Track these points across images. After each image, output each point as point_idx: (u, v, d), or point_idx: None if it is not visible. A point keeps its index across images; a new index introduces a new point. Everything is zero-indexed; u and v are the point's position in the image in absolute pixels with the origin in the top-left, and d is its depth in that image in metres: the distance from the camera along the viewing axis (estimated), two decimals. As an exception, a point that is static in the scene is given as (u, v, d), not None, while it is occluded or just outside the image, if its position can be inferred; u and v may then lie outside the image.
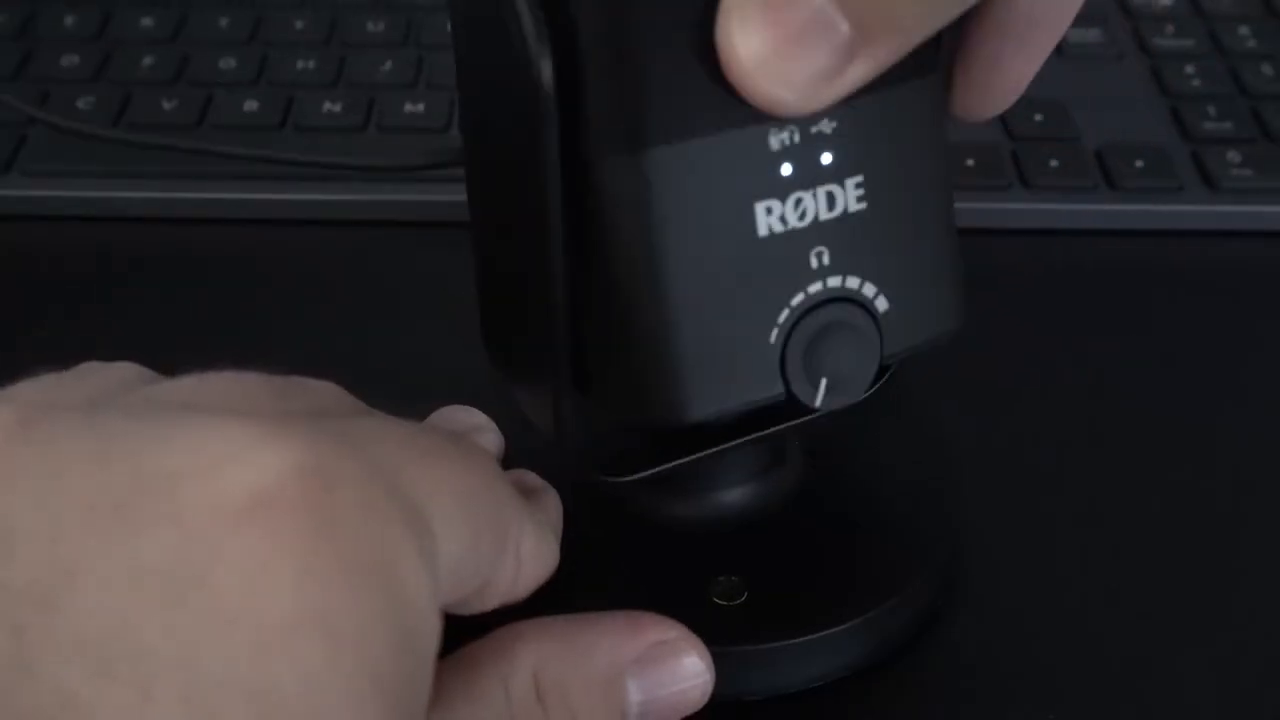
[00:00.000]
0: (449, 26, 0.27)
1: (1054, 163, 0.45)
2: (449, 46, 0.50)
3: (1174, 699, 0.31)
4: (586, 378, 0.28)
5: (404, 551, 0.21)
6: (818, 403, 0.27)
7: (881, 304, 0.27)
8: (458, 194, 0.44)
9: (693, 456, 0.29)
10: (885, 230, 0.26)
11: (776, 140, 0.25)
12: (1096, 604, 0.33)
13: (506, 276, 0.29)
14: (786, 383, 0.26)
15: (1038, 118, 0.47)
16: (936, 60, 0.26)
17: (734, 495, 0.32)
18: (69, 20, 0.51)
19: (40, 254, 0.43)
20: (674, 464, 0.29)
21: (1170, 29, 0.51)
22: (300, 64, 0.49)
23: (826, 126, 0.25)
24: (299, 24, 0.51)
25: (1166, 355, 0.40)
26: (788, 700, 0.30)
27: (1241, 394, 0.39)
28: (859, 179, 0.26)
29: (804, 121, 0.25)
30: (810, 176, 0.25)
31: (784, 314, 0.26)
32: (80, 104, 0.47)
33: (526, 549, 0.26)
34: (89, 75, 0.48)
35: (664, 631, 0.27)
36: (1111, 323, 0.41)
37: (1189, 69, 0.49)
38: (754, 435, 0.29)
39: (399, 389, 0.38)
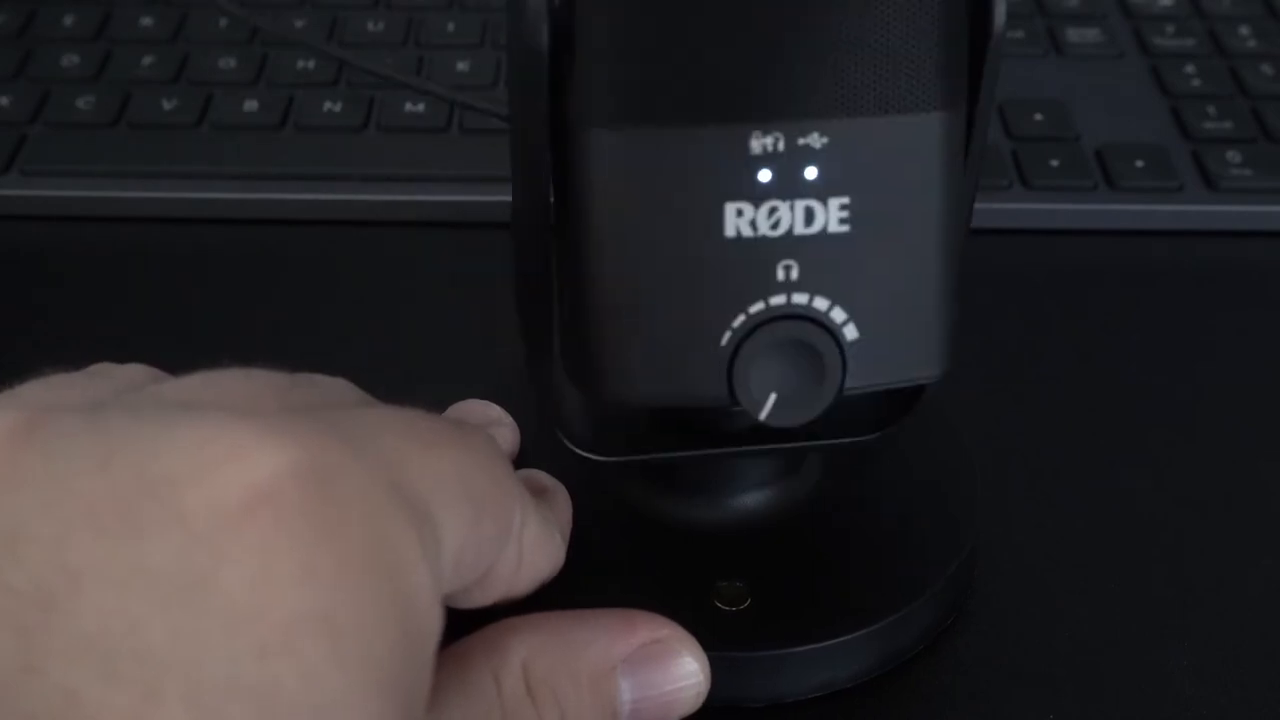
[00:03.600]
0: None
1: (1054, 163, 0.45)
2: (449, 46, 0.50)
3: (1174, 699, 0.31)
4: (562, 353, 0.28)
5: (406, 547, 0.21)
6: (762, 416, 0.26)
7: (850, 332, 0.26)
8: (457, 195, 0.44)
9: (674, 455, 0.29)
10: (867, 259, 0.26)
11: (759, 144, 0.25)
12: (1097, 604, 0.33)
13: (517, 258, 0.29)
14: (732, 389, 0.26)
15: (1038, 118, 0.47)
16: (951, 97, 0.25)
17: (745, 500, 0.32)
18: (69, 20, 0.51)
19: (40, 254, 0.43)
20: (652, 456, 0.29)
21: (1170, 29, 0.51)
22: (300, 64, 0.49)
23: (816, 141, 0.25)
24: (299, 24, 0.51)
25: (1167, 355, 0.40)
26: (787, 709, 0.30)
27: (1242, 394, 0.39)
28: (844, 200, 0.25)
29: (792, 130, 0.25)
30: (790, 187, 0.25)
31: (739, 319, 0.26)
32: (80, 104, 0.47)
33: (529, 538, 0.26)
34: (89, 75, 0.48)
35: (657, 630, 0.27)
36: (1111, 323, 0.41)
37: (1189, 69, 0.49)
38: (744, 448, 0.29)
39: (400, 389, 0.38)
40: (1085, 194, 0.44)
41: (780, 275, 0.25)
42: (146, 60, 0.49)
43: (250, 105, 0.47)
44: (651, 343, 0.26)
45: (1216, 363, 0.40)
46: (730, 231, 0.25)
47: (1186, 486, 0.36)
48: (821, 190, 0.25)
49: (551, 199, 0.26)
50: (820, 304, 0.26)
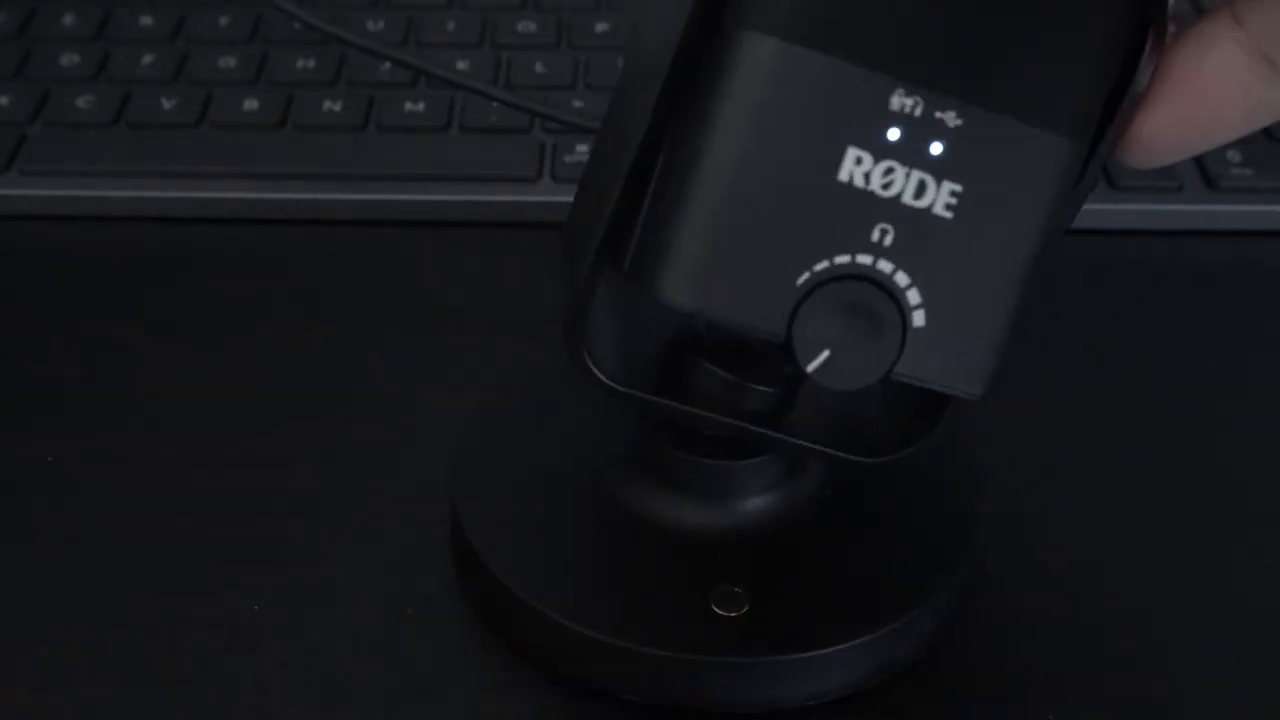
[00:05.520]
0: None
1: (1054, 162, 0.45)
2: (449, 46, 0.50)
3: (1174, 699, 0.31)
4: (622, 248, 0.27)
5: None
6: (810, 368, 0.26)
7: (918, 318, 0.26)
8: (458, 194, 0.44)
9: (691, 409, 0.28)
10: (959, 253, 0.26)
11: (899, 101, 0.25)
12: (1097, 606, 0.33)
13: (601, 157, 0.29)
14: (790, 331, 0.25)
15: (1038, 117, 0.47)
16: (1085, 129, 0.26)
17: (748, 505, 0.32)
18: (68, 19, 0.51)
19: (40, 254, 0.43)
20: (670, 404, 0.28)
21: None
22: (300, 63, 0.49)
23: (952, 119, 0.25)
24: (298, 23, 0.50)
25: (1166, 355, 0.40)
26: (782, 716, 0.30)
27: (1242, 394, 0.39)
28: (957, 188, 0.25)
29: (934, 100, 0.25)
30: (913, 154, 0.25)
31: (822, 264, 0.25)
32: (80, 103, 0.47)
33: None
34: (89, 74, 0.48)
35: None
36: (1111, 322, 0.41)
37: (1189, 69, 0.49)
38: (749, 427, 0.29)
39: (398, 388, 0.38)
40: (1085, 194, 0.44)
41: (875, 236, 0.25)
42: (146, 59, 0.49)
43: (250, 105, 0.47)
44: (731, 256, 0.25)
45: (1217, 363, 0.40)
46: (844, 176, 0.25)
47: (1188, 487, 0.36)
48: (940, 169, 0.25)
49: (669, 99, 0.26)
50: (901, 279, 0.26)
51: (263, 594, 0.33)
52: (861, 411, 0.29)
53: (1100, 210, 0.44)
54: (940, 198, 0.25)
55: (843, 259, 0.25)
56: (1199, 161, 0.45)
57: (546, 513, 0.33)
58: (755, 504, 0.32)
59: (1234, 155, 0.45)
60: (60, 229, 0.44)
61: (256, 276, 0.42)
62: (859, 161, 0.25)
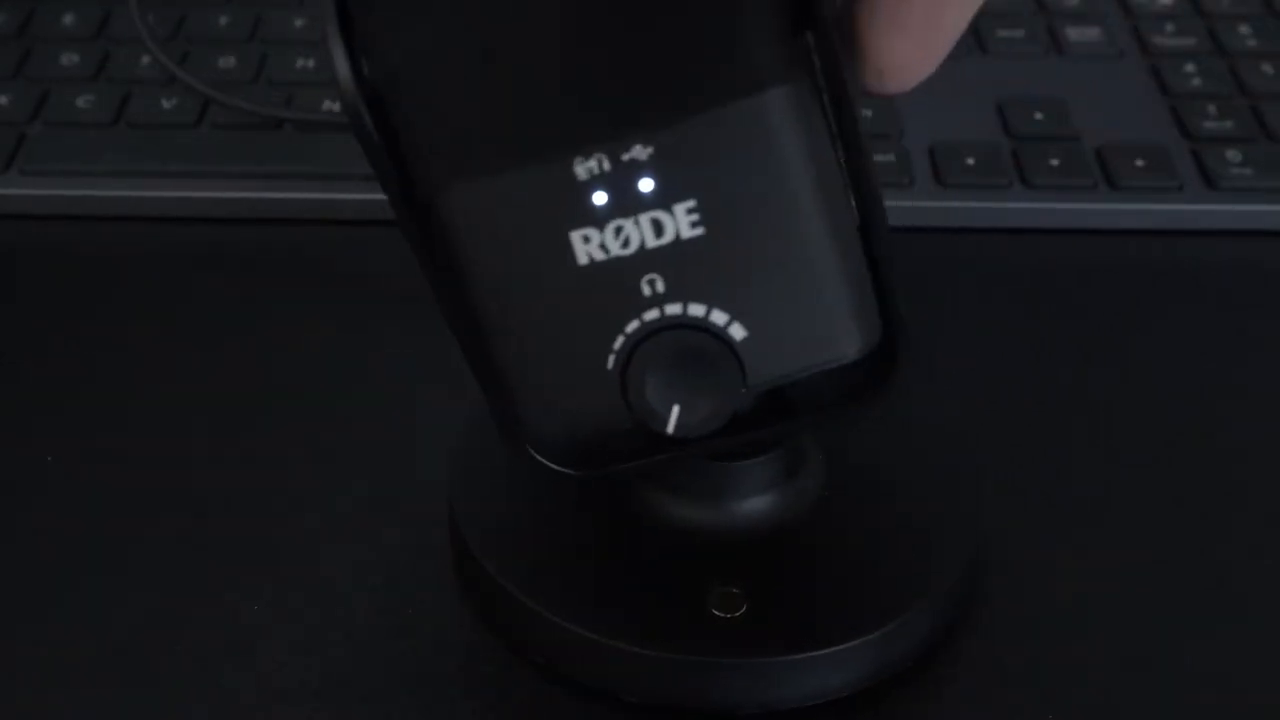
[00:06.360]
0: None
1: (1054, 162, 0.45)
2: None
3: (1174, 699, 0.31)
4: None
5: None
6: (670, 429, 0.26)
7: (737, 331, 0.26)
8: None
9: (652, 460, 0.28)
10: (734, 256, 0.25)
11: (583, 169, 0.25)
12: (1097, 608, 0.33)
13: None
14: (631, 409, 0.26)
15: (1038, 117, 0.47)
16: (773, 72, 0.24)
17: (745, 506, 0.31)
18: (68, 19, 0.51)
19: (40, 254, 0.43)
20: (632, 465, 0.28)
21: (1170, 28, 0.51)
22: (300, 63, 0.49)
23: (641, 153, 0.24)
24: (299, 23, 0.50)
25: (1166, 355, 0.40)
26: (780, 717, 0.30)
27: (1242, 394, 0.39)
28: (690, 204, 0.25)
29: (613, 149, 0.24)
30: (629, 204, 0.25)
31: (619, 341, 0.26)
32: (80, 103, 0.47)
33: None
34: (89, 74, 0.48)
35: None
36: (1111, 322, 0.41)
37: (1189, 68, 0.49)
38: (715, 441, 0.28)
39: (398, 388, 0.38)
40: (1085, 194, 0.44)
41: (646, 290, 0.25)
42: (146, 59, 0.49)
43: (249, 104, 0.47)
44: (547, 382, 0.26)
45: (1217, 363, 0.40)
46: (583, 259, 0.25)
47: (1188, 487, 0.36)
48: (662, 199, 0.25)
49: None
50: (696, 310, 0.26)
51: (263, 594, 0.33)
52: (830, 377, 0.28)
53: (1100, 210, 0.44)
54: (681, 222, 0.25)
55: (632, 326, 0.26)
56: (1199, 161, 0.45)
57: (545, 513, 0.33)
58: (754, 504, 0.31)
59: (1234, 155, 0.45)
60: (60, 229, 0.44)
61: (256, 276, 0.42)
62: (587, 240, 0.25)
